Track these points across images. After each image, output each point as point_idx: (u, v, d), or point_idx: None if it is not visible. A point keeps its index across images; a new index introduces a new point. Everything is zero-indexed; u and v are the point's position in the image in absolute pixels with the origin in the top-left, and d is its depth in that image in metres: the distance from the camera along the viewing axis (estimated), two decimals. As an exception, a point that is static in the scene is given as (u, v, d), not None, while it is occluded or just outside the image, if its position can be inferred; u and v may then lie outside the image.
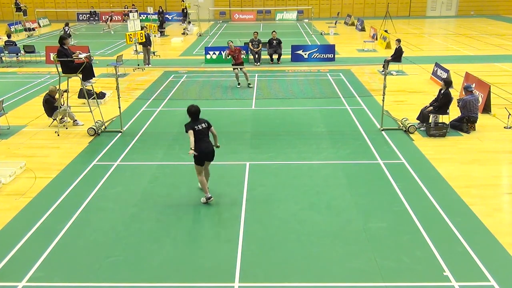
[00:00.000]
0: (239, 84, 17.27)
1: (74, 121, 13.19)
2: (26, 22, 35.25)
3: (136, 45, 21.46)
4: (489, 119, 13.19)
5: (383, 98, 12.38)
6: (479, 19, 40.52)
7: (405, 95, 16.05)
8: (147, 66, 20.69)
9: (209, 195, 8.57)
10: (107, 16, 38.86)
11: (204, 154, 8.38)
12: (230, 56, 17.37)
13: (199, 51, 25.52)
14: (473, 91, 12.82)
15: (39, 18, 38.35)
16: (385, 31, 27.01)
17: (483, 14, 43.72)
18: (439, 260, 6.84)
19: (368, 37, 29.50)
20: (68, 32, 28.89)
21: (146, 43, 20.63)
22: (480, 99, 13.46)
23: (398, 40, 19.61)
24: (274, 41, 21.59)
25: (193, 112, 8.33)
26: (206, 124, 8.43)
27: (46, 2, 44.14)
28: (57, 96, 12.97)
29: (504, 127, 12.48)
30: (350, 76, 18.87)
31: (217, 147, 8.71)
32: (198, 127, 8.30)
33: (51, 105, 12.95)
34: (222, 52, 21.24)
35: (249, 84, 17.14)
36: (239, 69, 16.89)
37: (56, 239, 7.53)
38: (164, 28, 33.99)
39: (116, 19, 40.49)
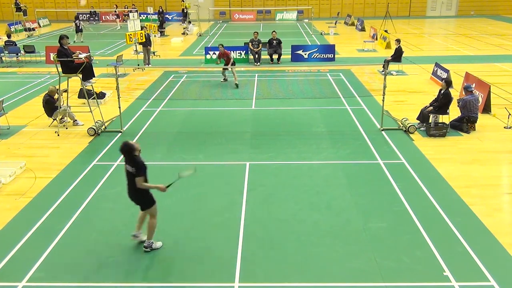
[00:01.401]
0: (225, 79, 18.00)
1: (74, 121, 13.19)
2: (26, 22, 35.24)
3: (136, 45, 21.46)
4: (489, 119, 13.19)
5: (383, 98, 12.38)
6: (479, 19, 40.51)
7: (405, 95, 16.05)
8: (147, 66, 20.69)
9: (138, 233, 7.35)
10: (114, 16, 38.99)
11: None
12: (221, 59, 17.76)
13: (199, 51, 25.51)
14: (473, 91, 12.82)
15: (39, 18, 38.35)
16: (385, 31, 27.01)
17: (483, 14, 43.72)
18: (439, 260, 6.84)
19: (368, 37, 29.49)
20: (80, 27, 28.79)
21: (146, 43, 20.63)
22: (480, 99, 13.46)
23: (398, 40, 19.59)
24: (274, 41, 21.58)
25: (121, 150, 7.14)
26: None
27: (46, 2, 44.15)
28: (56, 96, 12.98)
29: (504, 127, 12.48)
30: (350, 76, 18.86)
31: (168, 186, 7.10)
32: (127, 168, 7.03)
33: (51, 106, 12.95)
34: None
35: (236, 84, 17.18)
36: (229, 69, 17.54)
37: (56, 239, 7.53)
38: (164, 28, 33.98)
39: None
